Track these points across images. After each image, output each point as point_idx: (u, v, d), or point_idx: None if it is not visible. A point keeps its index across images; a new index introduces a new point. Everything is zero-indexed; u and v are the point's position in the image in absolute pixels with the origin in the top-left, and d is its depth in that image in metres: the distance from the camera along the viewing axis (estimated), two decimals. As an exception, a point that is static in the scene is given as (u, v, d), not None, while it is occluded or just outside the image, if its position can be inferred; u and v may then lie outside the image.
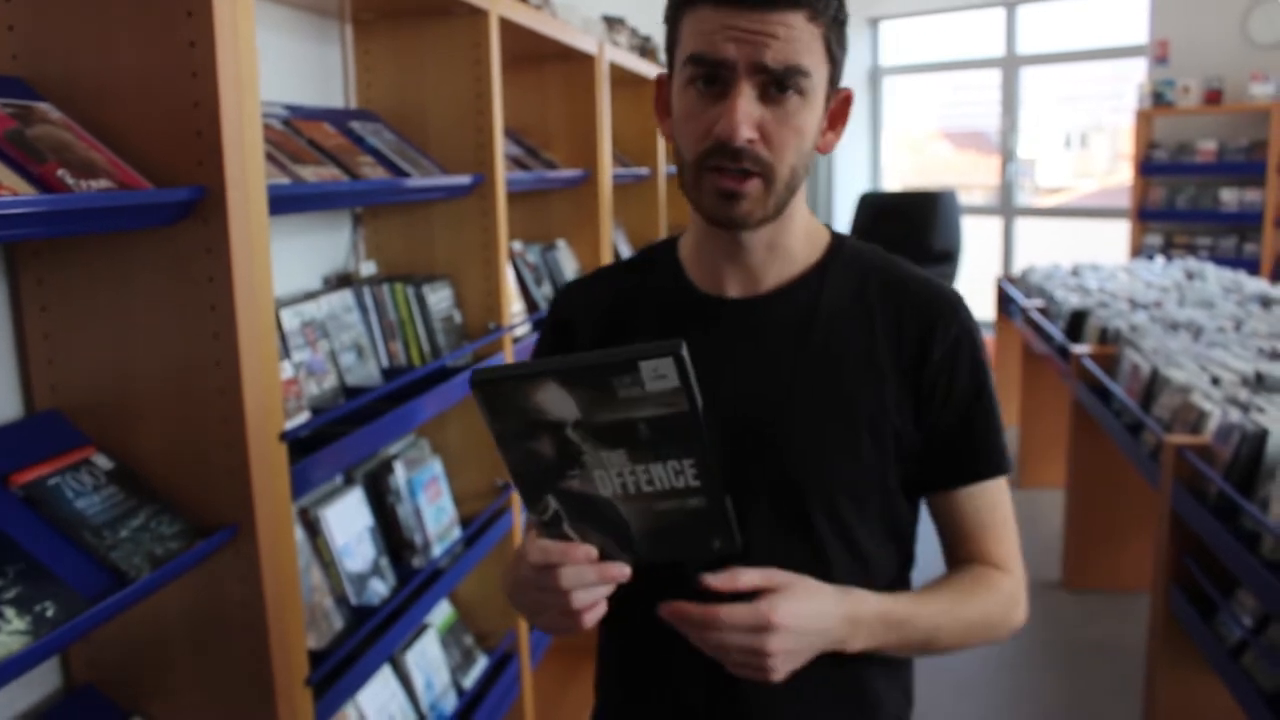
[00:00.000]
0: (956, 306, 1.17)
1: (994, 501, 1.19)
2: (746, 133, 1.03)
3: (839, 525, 1.13)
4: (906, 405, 1.14)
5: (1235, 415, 2.50)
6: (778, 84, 1.03)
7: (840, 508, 1.13)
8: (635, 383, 0.88)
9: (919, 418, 1.15)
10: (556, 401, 0.89)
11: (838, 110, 1.14)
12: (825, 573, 1.09)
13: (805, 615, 1.01)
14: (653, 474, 0.93)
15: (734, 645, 0.99)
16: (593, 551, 0.97)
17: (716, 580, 1.00)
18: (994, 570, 1.19)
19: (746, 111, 1.02)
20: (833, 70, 1.09)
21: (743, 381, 1.14)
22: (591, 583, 0.97)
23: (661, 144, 4.11)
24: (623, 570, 0.98)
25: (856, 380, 1.13)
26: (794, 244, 1.17)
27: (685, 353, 0.87)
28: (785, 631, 0.99)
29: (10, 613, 1.10)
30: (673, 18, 1.10)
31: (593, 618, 1.00)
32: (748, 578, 1.01)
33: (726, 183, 1.05)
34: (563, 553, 0.96)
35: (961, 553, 1.21)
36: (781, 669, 1.01)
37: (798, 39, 1.02)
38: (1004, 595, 1.18)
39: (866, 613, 1.07)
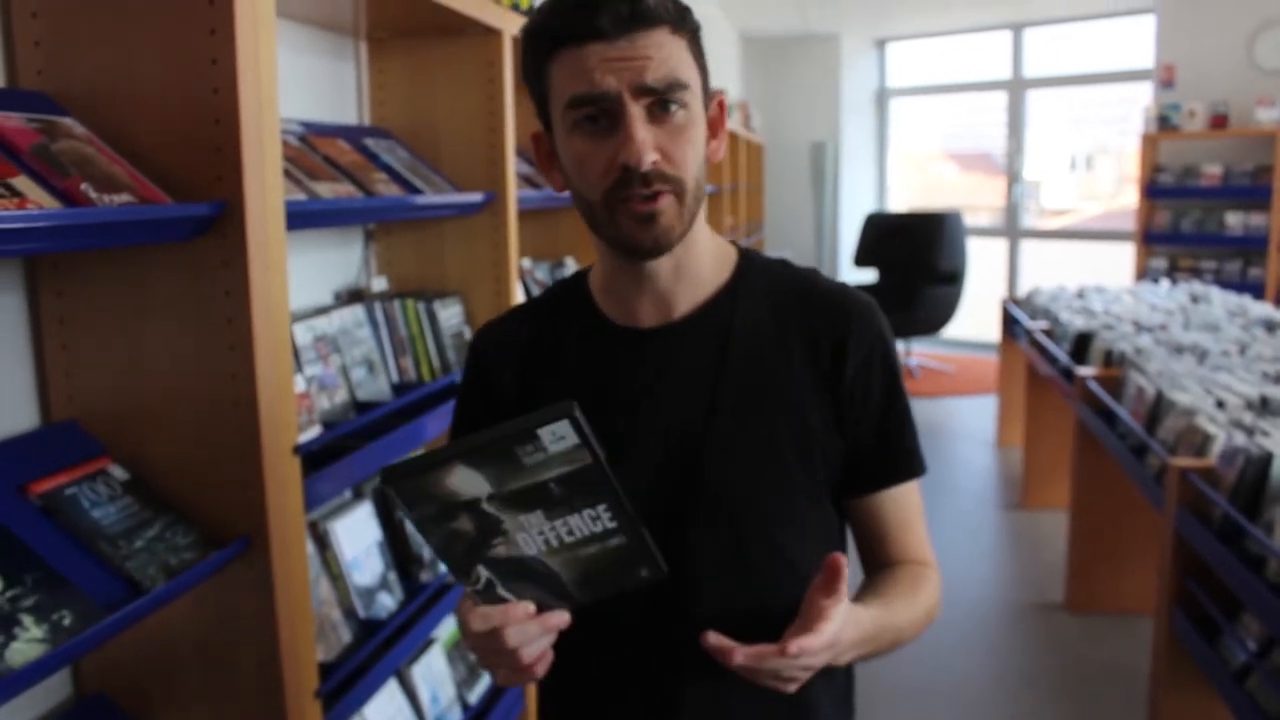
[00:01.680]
0: (869, 315, 1.18)
1: (910, 500, 1.23)
2: (651, 155, 1.03)
3: (772, 543, 1.14)
4: (829, 417, 1.15)
5: (1240, 439, 2.51)
6: (662, 103, 1.04)
7: (772, 525, 1.14)
8: (538, 449, 0.89)
9: (841, 428, 1.16)
10: (467, 481, 0.91)
11: (715, 116, 1.15)
12: (763, 590, 1.11)
13: (846, 646, 1.04)
14: (571, 525, 0.94)
15: (773, 669, 1.00)
16: (530, 607, 0.98)
17: (801, 642, 0.99)
18: (920, 567, 1.22)
19: (644, 135, 1.03)
20: (704, 78, 1.11)
21: (666, 411, 1.14)
22: (535, 636, 0.98)
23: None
24: (562, 618, 0.99)
25: (778, 399, 1.14)
26: (701, 265, 1.17)
27: (578, 412, 0.88)
28: (828, 655, 1.01)
29: (29, 620, 1.12)
30: (535, 71, 1.10)
31: (543, 667, 1.01)
32: (829, 630, 1.01)
33: (643, 207, 1.05)
34: (503, 614, 0.97)
35: (883, 552, 1.23)
36: (802, 680, 1.03)
37: (670, 54, 1.04)
38: (935, 589, 1.22)
39: (860, 630, 1.08)
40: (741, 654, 0.99)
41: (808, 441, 1.14)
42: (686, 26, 1.07)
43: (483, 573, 0.97)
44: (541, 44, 1.07)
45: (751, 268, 1.21)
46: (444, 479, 0.90)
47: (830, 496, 1.19)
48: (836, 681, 1.25)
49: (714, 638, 1.00)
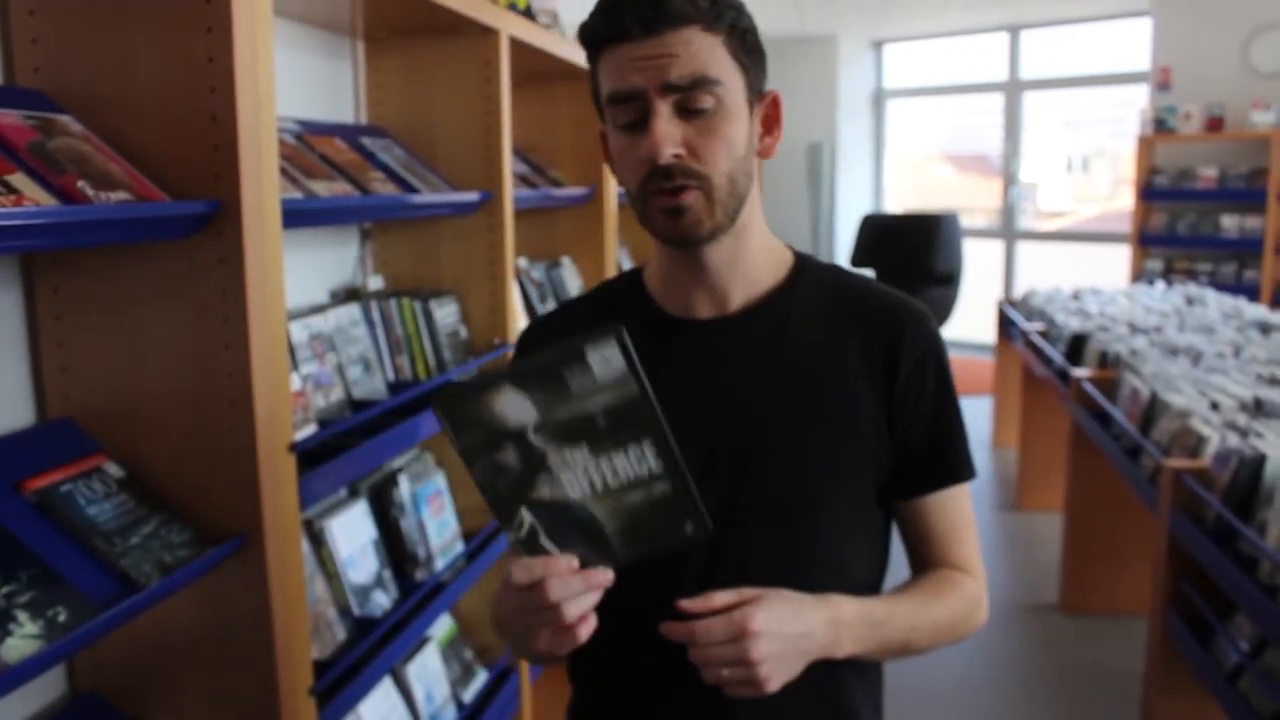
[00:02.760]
0: (922, 320, 1.20)
1: (959, 506, 1.23)
2: (670, 149, 1.06)
3: (821, 541, 1.15)
4: (880, 418, 1.17)
5: (1234, 440, 2.51)
6: (690, 99, 1.06)
7: (821, 523, 1.15)
8: (585, 372, 0.91)
9: (892, 429, 1.17)
10: (515, 406, 0.92)
11: (770, 114, 1.17)
12: (808, 586, 1.10)
13: (782, 620, 1.02)
14: (616, 465, 0.95)
15: (718, 659, 1.00)
16: (574, 561, 0.98)
17: (690, 604, 1.01)
18: (958, 573, 1.22)
19: (665, 131, 1.06)
20: (749, 76, 1.12)
21: (718, 402, 1.15)
22: (579, 591, 0.97)
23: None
24: (606, 575, 0.99)
25: (831, 396, 1.16)
26: (756, 262, 1.19)
27: (624, 333, 0.90)
28: (765, 637, 1.00)
29: (23, 617, 1.12)
30: (591, 71, 1.14)
31: (586, 630, 1.00)
32: (721, 597, 1.02)
33: (667, 200, 1.09)
34: (545, 566, 0.97)
35: (927, 557, 1.24)
36: (772, 677, 1.01)
37: (699, 52, 1.06)
38: (969, 597, 1.22)
39: (847, 615, 1.09)
40: (666, 627, 1.01)
41: (859, 441, 1.16)
42: (723, 24, 1.08)
43: (526, 517, 0.97)
44: (588, 46, 1.12)
45: (807, 270, 1.23)
46: (493, 402, 0.91)
47: (878, 498, 1.20)
48: (871, 680, 1.25)
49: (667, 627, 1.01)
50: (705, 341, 1.18)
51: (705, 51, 1.06)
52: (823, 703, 1.18)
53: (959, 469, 1.21)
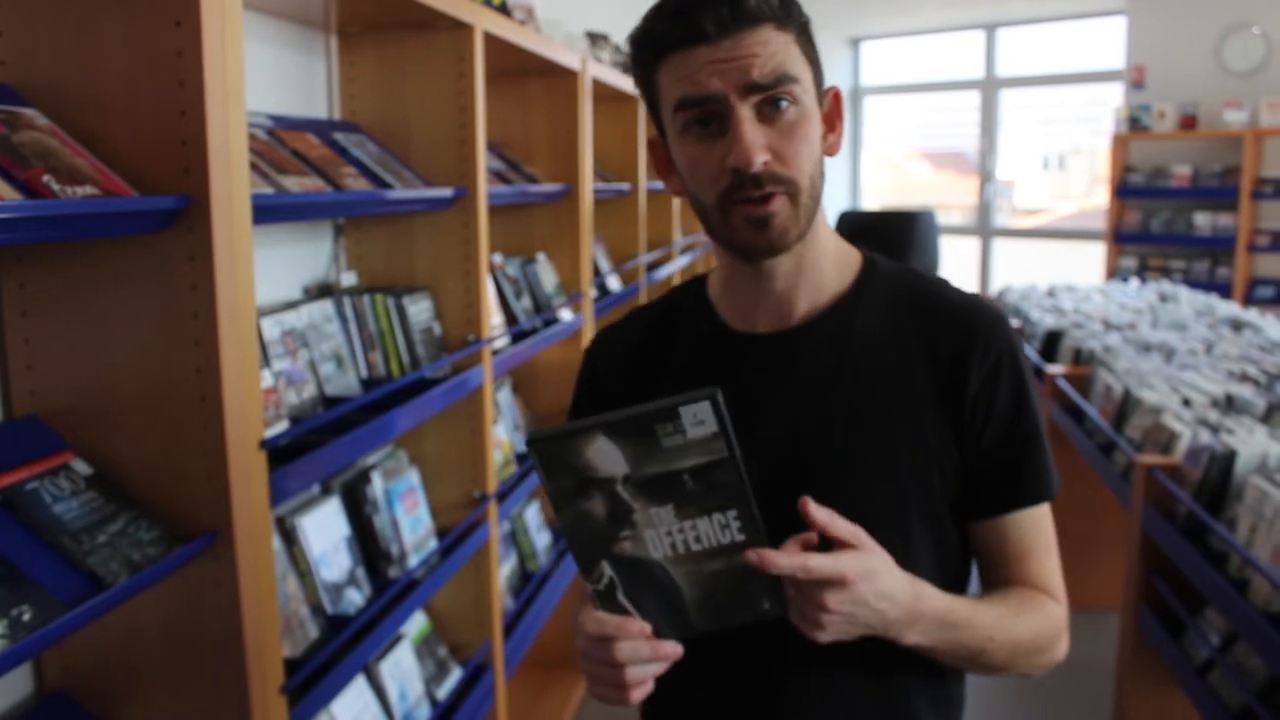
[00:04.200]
0: (995, 327, 1.13)
1: (1038, 527, 1.16)
2: (761, 156, 1.02)
3: None
4: (947, 433, 1.11)
5: (1205, 436, 2.53)
6: (771, 100, 1.03)
7: (886, 542, 1.04)
8: (677, 430, 0.91)
9: (960, 445, 1.12)
10: (605, 456, 0.92)
11: (832, 110, 1.14)
12: None
13: (876, 585, 0.98)
14: (700, 530, 0.95)
15: (803, 585, 0.97)
16: (646, 628, 0.97)
17: (819, 513, 0.97)
18: (1044, 595, 1.15)
19: (754, 136, 1.02)
20: (815, 72, 1.09)
21: (779, 419, 1.12)
22: (646, 659, 0.97)
23: (643, 160, 4.13)
24: (676, 649, 0.98)
25: (894, 411, 1.11)
26: (822, 267, 1.15)
27: (720, 398, 0.89)
28: (853, 594, 0.96)
29: (-13, 616, 1.11)
30: (646, 78, 1.10)
31: (640, 694, 0.99)
32: (843, 525, 0.98)
33: (755, 210, 1.04)
34: (618, 626, 0.97)
35: (1001, 580, 1.17)
36: (832, 630, 0.98)
37: (776, 50, 1.03)
38: (1054, 622, 1.15)
39: (929, 607, 1.04)
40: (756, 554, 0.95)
41: (924, 456, 1.11)
42: (793, 21, 1.06)
43: (606, 569, 0.97)
44: (648, 53, 1.08)
45: (875, 274, 1.18)
46: (585, 448, 0.92)
47: (951, 514, 1.14)
48: (944, 704, 1.20)
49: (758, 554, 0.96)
50: (764, 357, 1.15)
51: (782, 49, 1.04)
52: (880, 711, 1.14)
53: (1037, 487, 1.14)
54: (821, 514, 0.98)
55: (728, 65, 1.02)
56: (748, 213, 1.05)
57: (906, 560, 1.06)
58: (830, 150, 1.13)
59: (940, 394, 1.11)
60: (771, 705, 1.14)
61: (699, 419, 0.90)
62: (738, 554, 0.95)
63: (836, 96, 1.14)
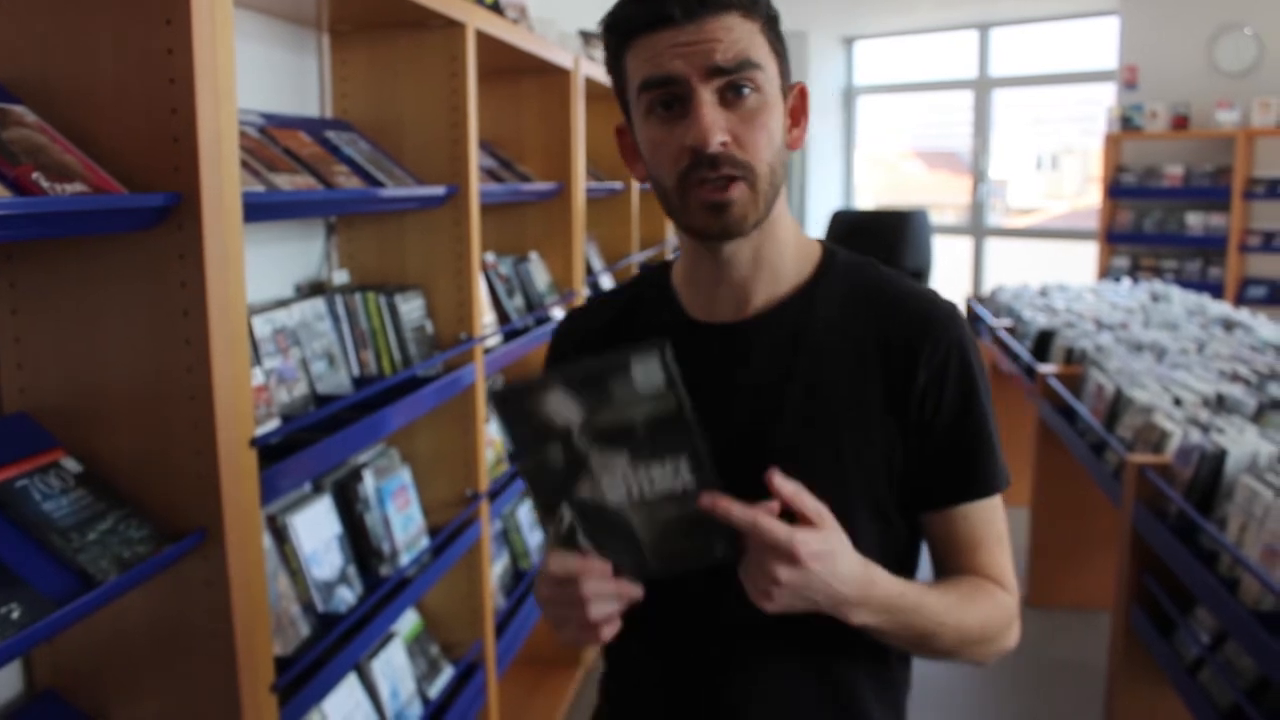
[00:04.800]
0: (948, 322, 1.14)
1: (987, 519, 1.17)
2: (719, 136, 1.03)
3: None
4: (896, 426, 1.12)
5: (1196, 436, 2.54)
6: (734, 86, 1.04)
7: None
8: (628, 383, 0.94)
9: (909, 437, 1.13)
10: (563, 406, 0.96)
11: (797, 105, 1.14)
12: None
13: (832, 566, 0.99)
14: (653, 475, 0.98)
15: (754, 551, 0.98)
16: (607, 567, 1.00)
17: (784, 485, 0.99)
18: (993, 584, 1.17)
19: (713, 117, 1.03)
20: (781, 64, 1.10)
21: (732, 410, 1.13)
22: (608, 595, 1.00)
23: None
24: (636, 590, 1.01)
25: (844, 404, 1.12)
26: (782, 257, 1.16)
27: (668, 350, 0.93)
28: (804, 569, 0.97)
29: (-24, 614, 1.10)
30: (614, 63, 1.12)
31: (610, 631, 1.02)
32: (809, 501, 1.00)
33: (712, 194, 1.05)
34: (582, 564, 0.99)
35: (953, 567, 1.18)
36: (780, 602, 0.99)
37: (740, 37, 1.04)
38: (1004, 610, 1.16)
39: (880, 590, 1.04)
40: (709, 498, 0.97)
41: (872, 449, 1.12)
42: (760, 11, 1.07)
43: (566, 513, 1.00)
44: (616, 36, 1.09)
45: (834, 266, 1.19)
46: (544, 400, 0.96)
47: (900, 508, 1.15)
48: (887, 685, 1.21)
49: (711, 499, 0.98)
50: (721, 347, 1.16)
51: (746, 37, 1.05)
52: (833, 706, 1.16)
53: (987, 480, 1.15)
54: (788, 486, 1.00)
55: (691, 48, 1.03)
56: (705, 196, 1.06)
57: (861, 554, 1.08)
58: (793, 144, 1.14)
59: (890, 386, 1.12)
60: (723, 679, 1.15)
61: (648, 371, 0.94)
62: (692, 500, 0.98)
63: (802, 92, 1.15)
